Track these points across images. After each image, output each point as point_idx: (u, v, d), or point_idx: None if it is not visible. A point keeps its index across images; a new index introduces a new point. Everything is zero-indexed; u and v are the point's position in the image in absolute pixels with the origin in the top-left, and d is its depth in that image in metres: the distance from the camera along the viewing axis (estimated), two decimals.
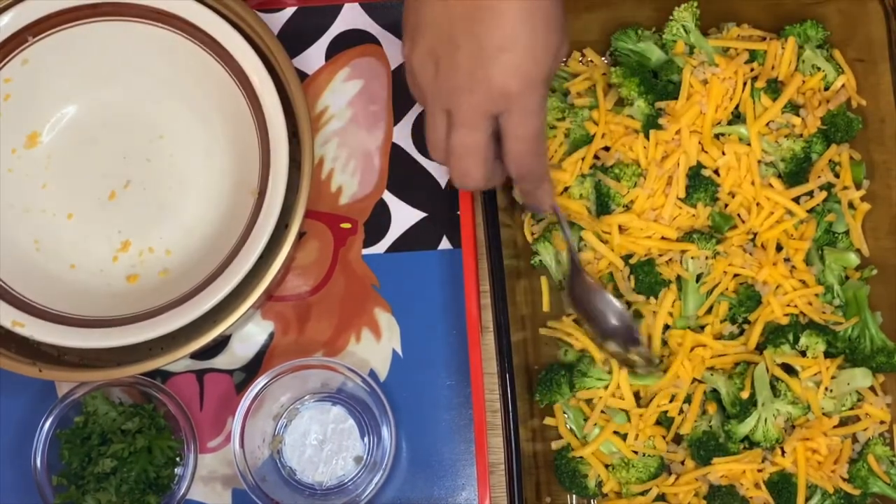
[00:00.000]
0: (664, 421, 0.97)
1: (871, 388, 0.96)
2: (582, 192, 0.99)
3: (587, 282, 0.95)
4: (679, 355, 0.96)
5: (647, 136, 0.98)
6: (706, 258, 0.97)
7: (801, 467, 0.94)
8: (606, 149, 1.00)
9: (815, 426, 0.94)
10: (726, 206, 0.99)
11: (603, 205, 0.99)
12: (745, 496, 0.95)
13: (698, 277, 0.97)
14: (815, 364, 0.94)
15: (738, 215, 0.99)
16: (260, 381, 0.98)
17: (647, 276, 0.97)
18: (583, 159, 1.00)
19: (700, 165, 0.99)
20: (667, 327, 0.98)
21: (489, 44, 0.77)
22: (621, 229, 0.98)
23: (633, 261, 0.98)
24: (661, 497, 0.97)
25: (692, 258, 0.96)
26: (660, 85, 1.00)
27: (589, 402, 0.98)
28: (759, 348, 0.97)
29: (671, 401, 0.96)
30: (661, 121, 0.98)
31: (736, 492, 0.95)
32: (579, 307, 0.96)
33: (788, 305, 0.97)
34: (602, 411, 0.96)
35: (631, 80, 0.99)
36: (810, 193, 0.99)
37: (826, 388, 0.95)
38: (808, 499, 0.96)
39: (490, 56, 0.77)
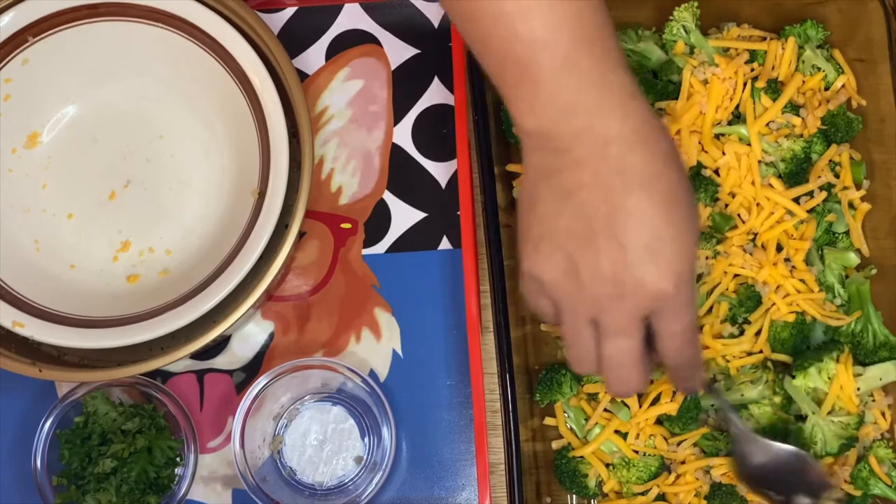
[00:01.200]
0: (665, 421, 0.97)
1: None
2: None
3: (757, 439, 0.91)
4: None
5: None
6: (706, 258, 0.97)
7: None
8: None
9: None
10: (726, 206, 0.99)
11: None
12: (745, 496, 0.95)
13: (698, 278, 0.97)
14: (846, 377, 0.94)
15: (739, 215, 0.99)
16: (260, 382, 0.98)
17: None
18: None
19: (700, 165, 0.99)
20: None
21: (634, 246, 0.73)
22: None
23: None
24: (661, 497, 0.97)
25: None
26: (659, 85, 1.00)
27: (591, 399, 0.98)
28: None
29: (672, 399, 0.96)
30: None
31: (736, 491, 0.95)
32: (757, 479, 0.92)
33: (791, 304, 0.97)
34: (605, 409, 0.96)
35: None
36: (810, 193, 0.99)
37: (855, 388, 0.95)
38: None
39: (637, 259, 0.73)
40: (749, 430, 0.92)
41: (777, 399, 0.95)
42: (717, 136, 0.99)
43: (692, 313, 0.77)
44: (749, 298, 0.96)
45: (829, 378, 0.93)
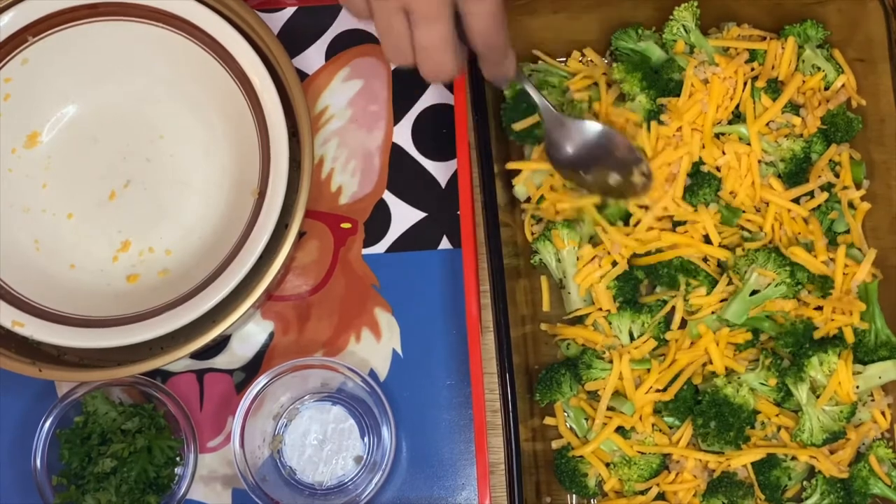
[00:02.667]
0: (662, 409, 0.97)
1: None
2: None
3: (565, 120, 0.93)
4: (703, 340, 0.96)
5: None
6: (774, 283, 0.96)
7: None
8: None
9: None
10: (727, 205, 0.99)
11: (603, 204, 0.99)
12: (747, 482, 0.95)
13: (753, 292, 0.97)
14: (845, 373, 0.94)
15: (745, 221, 0.99)
16: (260, 381, 0.98)
17: (668, 270, 0.98)
18: None
19: (700, 162, 0.99)
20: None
21: None
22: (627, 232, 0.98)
23: (645, 260, 0.98)
24: (661, 496, 0.97)
25: (757, 274, 0.96)
26: (661, 82, 1.00)
27: (593, 397, 0.98)
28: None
29: (665, 389, 0.96)
30: (662, 117, 0.98)
31: (740, 481, 0.95)
32: (563, 159, 0.95)
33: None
34: (607, 408, 0.96)
35: (633, 75, 0.99)
36: (811, 193, 0.99)
37: (854, 386, 0.95)
38: (806, 497, 0.96)
39: None
40: (559, 112, 0.93)
41: (772, 382, 0.95)
42: (717, 136, 0.99)
43: None
44: (790, 334, 0.96)
45: (829, 371, 0.94)
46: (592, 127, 0.94)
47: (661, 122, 0.98)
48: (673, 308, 0.98)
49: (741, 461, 0.95)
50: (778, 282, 0.95)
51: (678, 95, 0.99)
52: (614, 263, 0.98)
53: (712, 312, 0.97)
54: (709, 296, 0.97)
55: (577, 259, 0.99)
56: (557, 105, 0.96)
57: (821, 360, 0.94)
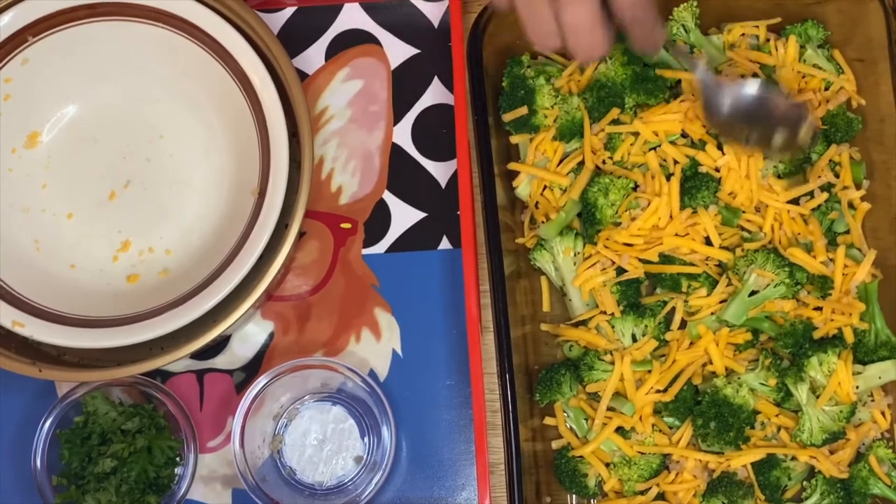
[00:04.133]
0: (662, 410, 0.97)
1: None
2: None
3: (721, 83, 0.93)
4: (703, 341, 0.96)
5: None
6: (773, 284, 0.96)
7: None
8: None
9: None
10: (726, 205, 0.99)
11: (590, 216, 0.98)
12: (747, 482, 0.95)
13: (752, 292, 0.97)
14: (845, 373, 0.95)
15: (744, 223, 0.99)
16: (260, 381, 0.98)
17: (670, 274, 0.98)
18: (578, 163, 1.00)
19: (697, 164, 0.99)
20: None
21: None
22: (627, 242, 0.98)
23: (651, 268, 0.98)
24: (661, 496, 0.97)
25: (756, 275, 0.96)
26: (650, 82, 1.00)
27: (593, 397, 0.98)
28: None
29: (665, 390, 0.96)
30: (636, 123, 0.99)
31: (740, 481, 0.95)
32: (723, 121, 0.94)
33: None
34: (607, 408, 0.96)
35: (624, 69, 0.99)
36: (810, 194, 0.99)
37: (854, 386, 0.95)
38: (806, 497, 0.96)
39: None
40: (714, 77, 0.93)
41: (772, 382, 0.95)
42: (717, 136, 0.99)
43: None
44: (790, 335, 0.96)
45: (828, 371, 0.94)
46: (750, 86, 0.93)
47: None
48: (673, 308, 0.98)
49: (741, 461, 0.95)
50: (777, 282, 0.95)
51: (677, 95, 1.00)
52: (619, 270, 0.98)
53: (712, 313, 0.97)
54: (708, 297, 0.97)
55: (575, 265, 0.99)
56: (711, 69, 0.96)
57: (820, 361, 0.94)
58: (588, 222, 0.98)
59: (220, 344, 1.04)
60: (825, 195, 0.99)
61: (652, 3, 0.84)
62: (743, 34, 1.02)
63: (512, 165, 1.01)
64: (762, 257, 0.95)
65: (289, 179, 0.96)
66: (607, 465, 0.97)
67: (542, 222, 1.00)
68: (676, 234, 0.97)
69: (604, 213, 0.97)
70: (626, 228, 0.97)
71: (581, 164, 1.00)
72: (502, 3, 0.84)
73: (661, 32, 0.87)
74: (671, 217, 0.97)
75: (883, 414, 0.96)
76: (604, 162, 1.00)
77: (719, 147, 0.99)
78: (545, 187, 1.01)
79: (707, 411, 0.94)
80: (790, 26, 1.01)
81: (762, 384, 0.95)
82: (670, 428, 0.98)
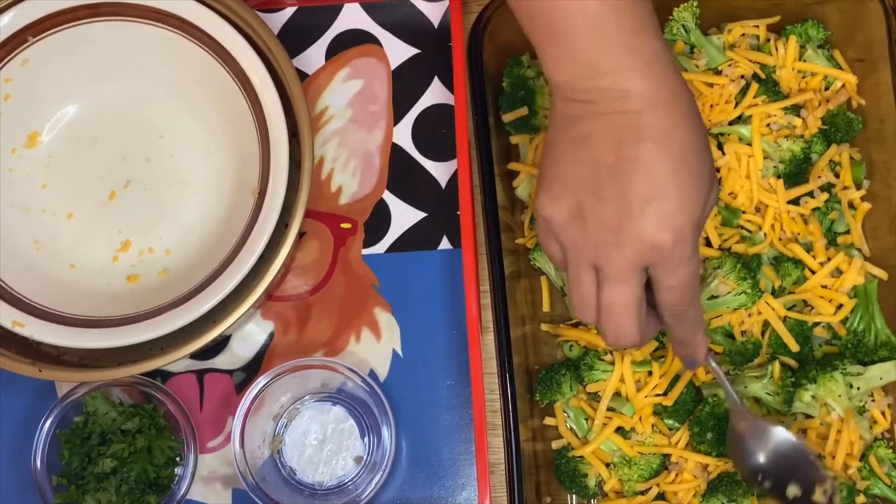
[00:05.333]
0: (662, 413, 0.97)
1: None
2: None
3: (754, 420, 0.90)
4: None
5: None
6: (735, 293, 0.96)
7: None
8: None
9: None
10: (726, 205, 0.99)
11: None
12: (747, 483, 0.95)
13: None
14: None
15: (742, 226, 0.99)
16: (260, 381, 0.98)
17: None
18: None
19: None
20: None
21: (636, 197, 0.75)
22: None
23: None
24: (661, 496, 0.97)
25: (718, 281, 0.95)
26: None
27: (593, 397, 0.98)
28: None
29: (665, 393, 0.96)
30: None
31: (739, 480, 0.95)
32: (746, 458, 0.91)
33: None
34: (607, 409, 0.96)
35: None
36: (810, 194, 0.99)
37: (855, 387, 0.95)
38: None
39: (638, 209, 0.75)
40: (746, 409, 0.92)
41: (780, 398, 0.95)
42: (717, 136, 0.99)
43: (692, 270, 0.79)
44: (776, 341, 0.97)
45: (834, 392, 0.93)
46: (783, 435, 0.91)
47: None
48: None
49: None
50: (738, 292, 0.95)
51: None
52: None
53: None
54: None
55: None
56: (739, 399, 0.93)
57: (825, 380, 0.94)
58: None
59: (220, 344, 1.04)
60: (825, 195, 0.99)
61: (697, 311, 0.82)
62: (743, 34, 1.02)
63: (512, 165, 1.01)
64: (730, 265, 0.95)
65: (289, 179, 0.96)
66: (607, 465, 0.97)
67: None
68: None
69: None
70: None
71: None
72: (558, 260, 0.82)
73: (703, 342, 0.85)
74: None
75: (883, 414, 0.96)
76: None
77: (719, 147, 0.99)
78: None
79: (705, 421, 0.94)
80: (790, 26, 1.01)
81: (768, 394, 0.95)
82: (670, 429, 0.97)
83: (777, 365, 0.94)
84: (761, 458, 0.91)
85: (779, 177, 0.99)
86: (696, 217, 0.77)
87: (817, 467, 0.90)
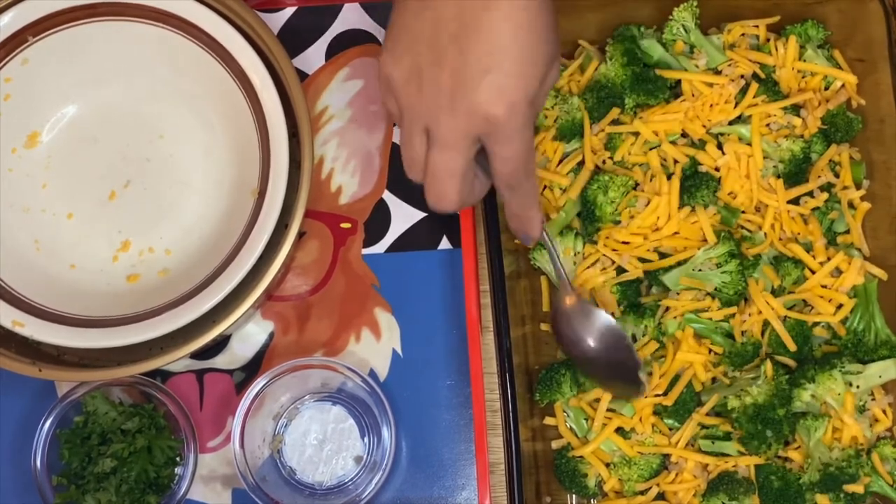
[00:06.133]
0: (662, 412, 0.97)
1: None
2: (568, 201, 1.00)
3: (580, 302, 0.94)
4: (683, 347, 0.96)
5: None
6: (720, 270, 0.96)
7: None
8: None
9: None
10: (725, 205, 0.99)
11: (589, 213, 0.98)
12: (751, 479, 0.95)
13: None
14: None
15: (742, 226, 0.99)
16: (260, 381, 0.98)
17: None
18: (578, 163, 1.00)
19: (697, 163, 0.99)
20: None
21: (474, 65, 0.75)
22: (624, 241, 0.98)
23: (650, 265, 0.98)
24: (661, 496, 0.97)
25: (705, 255, 0.96)
26: (659, 81, 1.00)
27: (594, 401, 0.98)
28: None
29: (665, 393, 0.96)
30: (636, 123, 0.98)
31: (741, 478, 0.95)
32: (567, 334, 0.95)
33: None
34: (608, 409, 0.96)
35: (625, 69, 0.99)
36: (810, 194, 0.99)
37: (854, 385, 0.95)
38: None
39: (474, 79, 0.74)
40: (574, 287, 0.94)
41: (776, 400, 0.95)
42: (717, 136, 0.99)
43: (525, 143, 0.78)
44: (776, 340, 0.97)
45: (834, 390, 0.93)
46: (604, 318, 0.94)
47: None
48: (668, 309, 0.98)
49: (743, 463, 0.95)
50: (724, 270, 0.95)
51: (676, 95, 1.00)
52: (619, 270, 0.98)
53: (697, 312, 0.97)
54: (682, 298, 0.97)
55: (575, 265, 0.99)
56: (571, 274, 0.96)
57: (824, 379, 0.94)
58: (587, 220, 0.98)
59: (220, 344, 1.04)
60: (825, 195, 0.99)
61: (531, 181, 0.82)
62: (743, 34, 1.02)
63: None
64: (723, 246, 0.95)
65: (289, 179, 0.96)
66: (607, 465, 0.97)
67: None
68: (675, 234, 0.97)
69: (603, 210, 0.97)
70: (626, 227, 0.97)
71: (581, 164, 1.00)
72: (394, 115, 0.81)
73: (538, 217, 0.86)
74: (669, 216, 0.97)
75: (884, 412, 0.96)
76: (604, 162, 1.01)
77: (719, 146, 0.99)
78: (545, 187, 1.01)
79: (754, 415, 0.94)
80: (790, 26, 1.01)
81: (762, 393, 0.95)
82: (670, 429, 0.97)
83: (769, 364, 0.94)
84: (584, 337, 0.94)
85: (778, 176, 0.99)
86: (532, 92, 0.76)
87: (632, 351, 0.94)
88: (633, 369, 0.94)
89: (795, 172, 0.99)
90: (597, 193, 0.98)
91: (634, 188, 0.99)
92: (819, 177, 0.99)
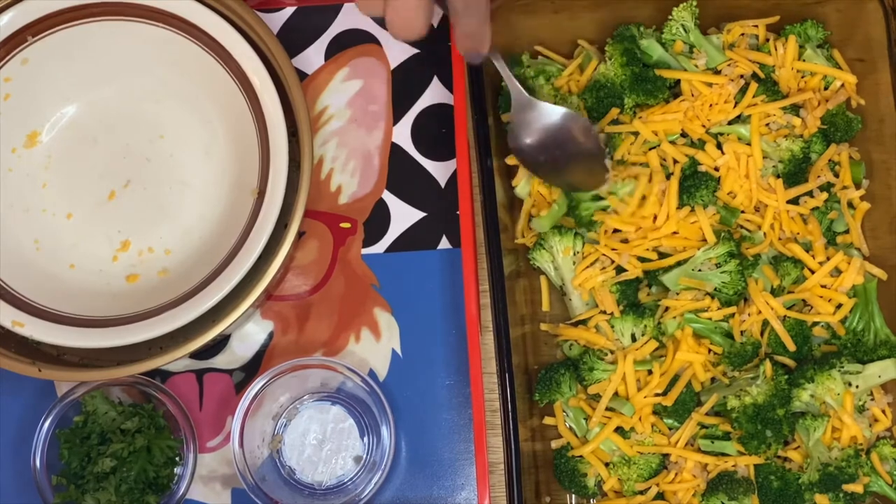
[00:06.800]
0: (661, 412, 0.97)
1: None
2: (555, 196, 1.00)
3: (532, 102, 0.93)
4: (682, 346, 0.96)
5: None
6: (719, 270, 0.96)
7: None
8: None
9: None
10: (725, 205, 0.99)
11: (570, 200, 0.98)
12: (750, 478, 0.95)
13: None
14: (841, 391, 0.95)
15: (741, 226, 0.99)
16: (259, 381, 0.98)
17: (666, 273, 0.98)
18: None
19: (697, 163, 0.99)
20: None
21: None
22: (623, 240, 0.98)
23: (650, 265, 0.98)
24: (660, 496, 0.97)
25: (705, 256, 0.96)
26: (659, 81, 1.00)
27: (592, 397, 0.98)
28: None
29: (665, 393, 0.96)
30: (635, 123, 0.98)
31: (741, 478, 0.95)
32: (524, 146, 0.94)
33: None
34: (606, 408, 0.96)
35: (624, 69, 0.99)
36: (810, 193, 0.99)
37: (853, 385, 0.95)
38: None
39: None
40: (527, 95, 0.93)
41: (775, 400, 0.95)
42: (716, 136, 0.99)
43: None
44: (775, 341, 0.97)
45: (833, 390, 0.93)
46: (556, 110, 0.94)
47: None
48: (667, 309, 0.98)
49: (743, 463, 0.95)
50: (723, 270, 0.95)
51: (676, 95, 1.00)
52: (619, 269, 0.98)
53: (696, 312, 0.97)
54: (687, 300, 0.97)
55: (574, 265, 0.99)
56: (528, 88, 0.96)
57: (823, 379, 0.94)
58: (570, 208, 0.98)
59: (220, 344, 1.04)
60: (825, 195, 0.99)
61: (484, 2, 0.82)
62: (742, 34, 1.02)
63: (511, 158, 1.00)
64: (723, 246, 0.95)
65: (288, 179, 0.97)
66: (607, 464, 0.97)
67: (534, 216, 1.00)
68: (675, 234, 0.97)
69: (580, 195, 0.98)
70: (620, 216, 0.97)
71: None
72: None
73: (488, 34, 0.85)
74: (668, 216, 0.97)
75: (883, 412, 0.96)
76: None
77: (719, 146, 0.99)
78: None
79: (754, 415, 0.94)
80: (789, 26, 1.01)
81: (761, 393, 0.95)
82: (670, 429, 0.97)
83: (768, 364, 0.94)
84: (539, 138, 0.94)
85: (778, 176, 0.99)
86: None
87: (592, 138, 0.94)
88: (597, 156, 0.95)
89: (795, 172, 0.99)
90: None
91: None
92: (819, 177, 0.99)
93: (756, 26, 1.02)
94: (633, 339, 0.97)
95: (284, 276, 1.05)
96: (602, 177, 0.96)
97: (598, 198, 0.98)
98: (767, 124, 0.99)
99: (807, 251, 0.97)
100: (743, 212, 0.99)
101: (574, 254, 0.99)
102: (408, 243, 1.05)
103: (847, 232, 0.99)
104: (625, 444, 0.96)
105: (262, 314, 1.05)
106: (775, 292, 0.98)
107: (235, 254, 0.96)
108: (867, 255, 0.99)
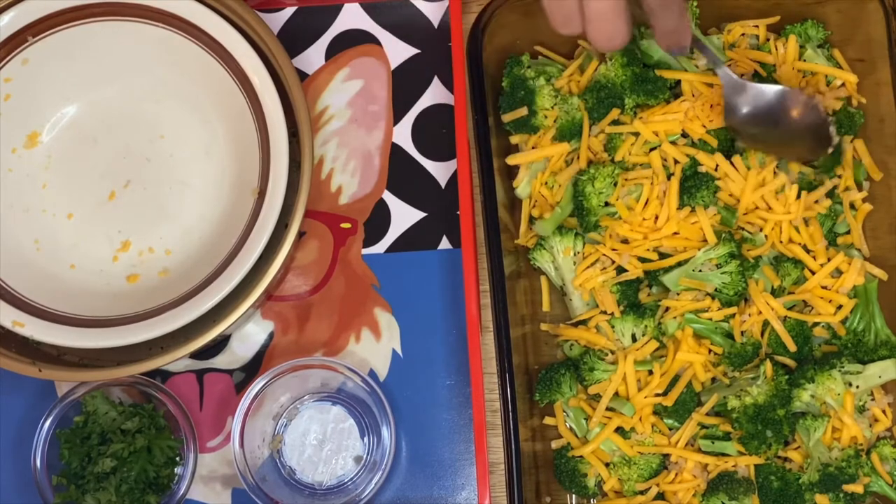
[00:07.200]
0: (662, 412, 0.97)
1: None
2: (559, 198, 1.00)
3: (744, 84, 0.94)
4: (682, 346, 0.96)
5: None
6: (720, 271, 0.96)
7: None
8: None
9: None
10: (725, 205, 0.99)
11: (579, 207, 0.98)
12: (751, 478, 0.95)
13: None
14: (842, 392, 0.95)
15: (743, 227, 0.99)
16: (260, 381, 0.98)
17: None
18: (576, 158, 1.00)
19: (697, 163, 0.99)
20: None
21: None
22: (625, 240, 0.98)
23: (650, 265, 0.98)
24: (661, 496, 0.97)
25: (705, 257, 0.96)
26: (659, 82, 1.00)
27: (593, 397, 0.98)
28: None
29: (665, 393, 0.96)
30: (635, 123, 0.98)
31: (741, 478, 0.95)
32: (742, 122, 0.96)
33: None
34: (606, 408, 0.96)
35: (625, 70, 0.99)
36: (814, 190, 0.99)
37: (854, 385, 0.95)
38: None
39: None
40: (737, 78, 0.95)
41: (775, 400, 0.95)
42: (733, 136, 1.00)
43: None
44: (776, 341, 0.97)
45: (833, 390, 0.93)
46: (770, 89, 0.95)
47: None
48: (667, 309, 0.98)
49: (743, 463, 0.95)
50: (724, 271, 0.95)
51: (677, 95, 1.00)
52: (619, 269, 0.98)
53: (697, 313, 0.97)
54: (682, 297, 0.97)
55: (574, 265, 0.99)
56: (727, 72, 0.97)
57: (823, 379, 0.94)
58: (579, 214, 0.98)
59: (220, 344, 1.04)
60: (828, 202, 0.98)
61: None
62: (743, 34, 1.02)
63: (511, 159, 1.00)
64: (724, 247, 0.95)
65: (289, 179, 0.97)
66: (607, 464, 0.97)
67: (537, 218, 1.00)
68: (675, 234, 0.97)
69: (591, 201, 0.97)
70: (627, 221, 0.97)
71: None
72: None
73: (688, 28, 0.87)
74: (669, 217, 0.97)
75: (884, 412, 0.96)
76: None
77: (719, 148, 0.99)
78: (544, 183, 1.01)
79: (754, 416, 0.94)
80: (790, 26, 1.01)
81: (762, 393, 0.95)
82: (670, 429, 0.97)
83: (769, 364, 0.94)
84: (756, 116, 0.95)
85: (801, 189, 0.98)
86: None
87: (814, 109, 0.95)
88: (820, 125, 0.95)
89: (810, 181, 0.99)
90: (585, 185, 0.97)
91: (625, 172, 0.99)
92: (837, 176, 0.99)
93: (756, 26, 1.02)
94: (634, 339, 0.97)
95: (285, 276, 1.05)
96: (828, 145, 0.96)
97: (606, 203, 0.98)
98: None
99: (807, 252, 0.97)
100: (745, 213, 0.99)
101: (574, 254, 0.99)
102: (408, 243, 1.05)
103: (848, 233, 0.99)
104: (625, 445, 0.96)
105: (262, 314, 1.05)
106: (776, 293, 0.98)
107: (236, 254, 0.96)
108: (868, 256, 0.99)
